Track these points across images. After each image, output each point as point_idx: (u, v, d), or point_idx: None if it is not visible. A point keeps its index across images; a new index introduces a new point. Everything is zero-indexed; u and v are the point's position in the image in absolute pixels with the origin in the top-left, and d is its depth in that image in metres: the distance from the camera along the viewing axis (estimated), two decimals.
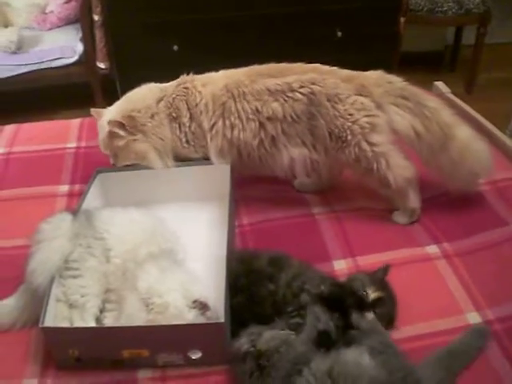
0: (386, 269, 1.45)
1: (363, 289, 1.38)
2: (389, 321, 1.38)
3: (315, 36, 3.30)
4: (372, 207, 1.81)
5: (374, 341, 1.27)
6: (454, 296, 1.49)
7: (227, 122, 1.74)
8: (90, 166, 1.92)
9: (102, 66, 3.61)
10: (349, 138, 1.66)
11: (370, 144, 1.66)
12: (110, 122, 1.74)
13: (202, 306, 1.35)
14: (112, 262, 1.50)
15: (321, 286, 1.38)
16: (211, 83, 1.80)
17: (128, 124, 1.74)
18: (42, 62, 3.54)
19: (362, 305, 1.36)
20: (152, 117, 1.78)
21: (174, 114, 1.79)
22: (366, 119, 1.65)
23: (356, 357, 1.22)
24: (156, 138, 1.78)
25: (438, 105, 1.72)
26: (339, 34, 3.54)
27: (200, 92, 1.79)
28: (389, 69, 1.78)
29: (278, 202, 1.86)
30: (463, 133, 1.71)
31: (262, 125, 1.71)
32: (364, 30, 3.54)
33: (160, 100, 1.81)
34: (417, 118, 1.67)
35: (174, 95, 1.80)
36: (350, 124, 1.66)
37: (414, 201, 1.73)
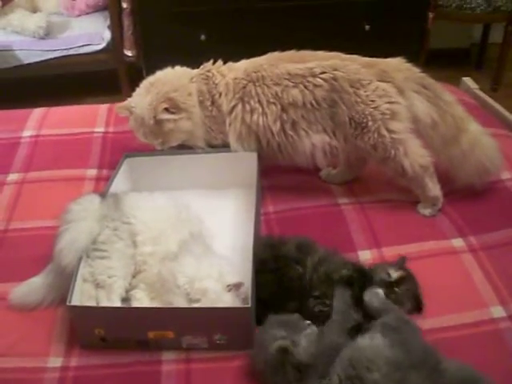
0: (403, 259, 1.47)
1: (386, 271, 1.41)
2: (416, 302, 1.40)
3: (342, 29, 3.30)
4: (398, 199, 1.81)
5: (387, 317, 1.29)
6: (478, 289, 1.49)
7: (247, 106, 1.75)
8: (117, 151, 1.94)
9: (129, 53, 3.62)
10: (369, 124, 1.67)
11: (389, 131, 1.67)
12: (155, 111, 1.75)
13: (236, 286, 1.36)
14: (140, 248, 1.52)
15: (343, 271, 1.40)
16: (233, 69, 1.82)
17: (171, 106, 1.75)
18: (70, 48, 3.56)
19: (386, 284, 1.38)
20: (189, 95, 1.79)
21: (200, 98, 1.80)
22: (387, 106, 1.66)
23: (369, 340, 1.24)
24: (196, 117, 1.79)
25: (452, 99, 1.75)
26: (367, 27, 3.53)
27: (222, 76, 1.80)
28: (416, 65, 1.78)
29: (304, 191, 1.86)
30: (475, 127, 1.75)
31: (283, 109, 1.72)
32: (392, 25, 3.54)
33: (191, 80, 1.82)
34: (434, 106, 1.70)
35: (198, 79, 1.82)
36: (371, 110, 1.66)
37: (432, 189, 1.73)
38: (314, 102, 1.69)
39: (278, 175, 1.91)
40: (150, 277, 1.48)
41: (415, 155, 1.68)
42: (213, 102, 1.79)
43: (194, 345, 1.37)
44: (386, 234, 1.67)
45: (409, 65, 1.75)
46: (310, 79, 1.70)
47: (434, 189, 1.73)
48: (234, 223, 1.73)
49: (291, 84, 1.71)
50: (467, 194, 1.79)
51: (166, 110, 1.75)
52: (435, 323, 1.40)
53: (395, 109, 1.66)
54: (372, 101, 1.66)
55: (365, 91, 1.67)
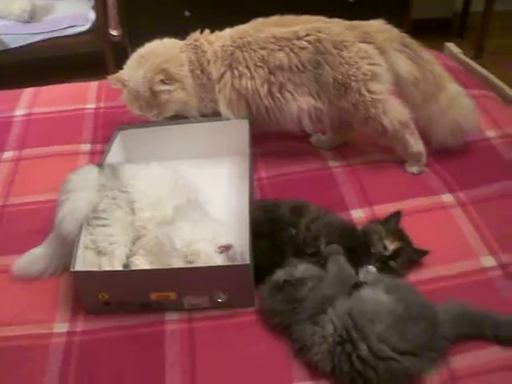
0: (398, 214, 1.52)
1: (381, 242, 1.45)
2: (416, 257, 1.47)
3: (327, 0, 3.32)
4: (387, 159, 1.85)
5: (386, 281, 1.35)
6: (468, 241, 1.54)
7: (235, 72, 1.78)
8: (109, 126, 1.96)
9: (114, 33, 3.61)
10: (352, 84, 1.71)
11: (370, 91, 1.71)
12: (150, 83, 1.76)
13: (226, 248, 1.40)
14: (138, 214, 1.55)
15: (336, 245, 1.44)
16: (220, 37, 1.84)
17: (166, 77, 1.77)
18: (55, 30, 3.54)
19: (381, 259, 1.44)
20: (181, 65, 1.82)
21: (190, 67, 1.82)
22: (368, 67, 1.71)
23: (373, 294, 1.30)
24: (189, 86, 1.82)
25: (431, 58, 1.81)
26: None
27: (210, 44, 1.83)
28: None
29: (295, 156, 1.90)
30: (454, 87, 1.81)
31: (270, 72, 1.75)
32: None
33: (181, 50, 1.84)
34: (415, 64, 1.75)
35: (187, 48, 1.84)
36: (354, 70, 1.70)
37: (415, 145, 1.78)
38: (299, 64, 1.73)
39: (270, 142, 1.95)
40: (148, 242, 1.51)
41: (394, 113, 1.73)
42: (202, 71, 1.81)
43: (196, 305, 1.41)
44: (376, 193, 1.71)
45: (389, 26, 1.80)
46: (295, 42, 1.73)
47: (417, 145, 1.78)
48: (228, 190, 1.77)
49: (277, 47, 1.74)
50: (454, 152, 1.83)
51: (162, 81, 1.77)
52: (427, 274, 1.45)
53: (376, 70, 1.71)
54: (355, 62, 1.70)
55: (348, 52, 1.71)
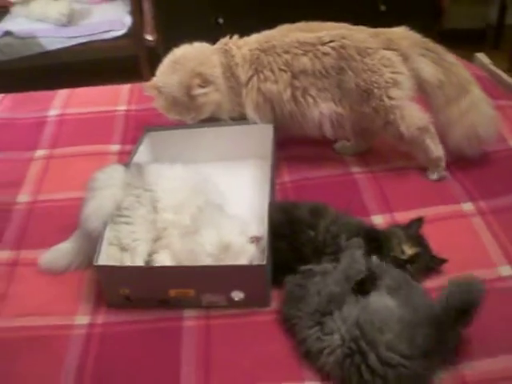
0: (420, 220, 1.52)
1: (400, 246, 1.46)
2: (434, 265, 1.48)
3: (358, 9, 3.33)
4: (410, 166, 1.86)
5: (387, 280, 1.35)
6: (487, 250, 1.54)
7: (261, 76, 1.82)
8: (139, 128, 2.00)
9: (149, 38, 3.69)
10: (375, 91, 1.73)
11: (390, 98, 1.74)
12: (187, 87, 1.81)
13: (258, 238, 1.44)
14: (160, 215, 1.58)
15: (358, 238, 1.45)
16: (247, 42, 1.88)
17: (202, 81, 1.82)
18: (92, 34, 3.64)
19: (398, 262, 1.44)
20: (214, 67, 1.86)
21: (221, 69, 1.86)
22: (390, 75, 1.73)
23: (380, 301, 1.29)
24: (222, 88, 1.86)
25: (456, 61, 1.82)
26: (382, 7, 3.57)
27: (238, 48, 1.86)
28: None
29: (318, 162, 1.92)
30: (477, 92, 1.81)
31: (293, 76, 1.78)
32: (407, 5, 3.56)
33: (212, 53, 1.89)
34: (439, 67, 1.76)
35: (217, 52, 1.88)
36: (376, 77, 1.73)
37: (435, 150, 1.79)
38: (322, 69, 1.76)
39: (294, 147, 1.97)
40: (172, 248, 1.53)
41: (413, 118, 1.75)
42: (232, 74, 1.85)
43: (213, 303, 1.44)
44: (397, 200, 1.72)
45: (412, 32, 1.81)
46: (319, 47, 1.76)
47: (436, 150, 1.79)
48: (250, 192, 1.80)
49: (301, 52, 1.78)
50: (477, 161, 1.83)
51: (198, 85, 1.81)
52: (445, 281, 1.44)
53: (398, 78, 1.74)
54: (378, 69, 1.73)
55: (371, 60, 1.73)
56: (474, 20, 4.23)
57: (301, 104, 1.80)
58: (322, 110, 1.78)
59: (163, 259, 1.51)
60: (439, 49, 1.80)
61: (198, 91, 1.82)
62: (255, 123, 1.87)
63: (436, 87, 1.76)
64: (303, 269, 1.41)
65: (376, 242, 1.47)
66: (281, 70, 1.79)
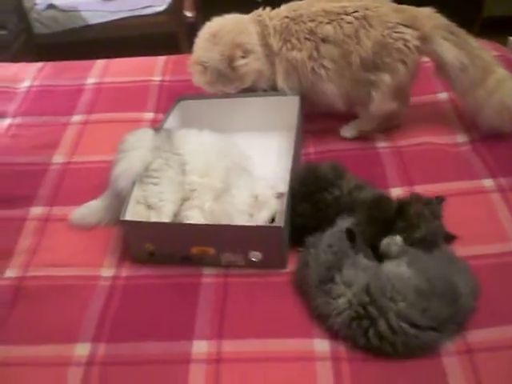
0: (441, 199, 1.52)
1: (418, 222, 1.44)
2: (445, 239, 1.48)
3: None
4: (434, 142, 1.88)
5: (411, 253, 1.37)
6: (503, 225, 1.56)
7: (288, 45, 1.85)
8: (173, 98, 2.04)
9: (189, 14, 3.73)
10: (381, 65, 1.78)
11: (381, 80, 1.80)
12: (229, 59, 1.85)
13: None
14: (188, 176, 1.65)
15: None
16: (278, 13, 1.91)
17: (243, 51, 1.86)
18: (133, 9, 3.72)
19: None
20: (252, 35, 1.89)
21: (258, 38, 1.90)
22: (395, 62, 1.78)
23: (394, 270, 1.31)
24: (262, 55, 1.89)
25: (479, 45, 1.83)
26: None
27: (270, 19, 1.90)
28: (470, 32, 1.84)
29: None
30: (501, 71, 1.82)
31: (316, 44, 1.82)
32: None
33: (248, 23, 1.92)
34: (462, 50, 1.77)
35: (252, 21, 1.92)
36: (384, 55, 1.77)
37: (370, 124, 1.92)
38: (342, 36, 1.79)
39: (321, 120, 2.01)
40: (203, 208, 1.60)
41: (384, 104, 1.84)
42: (266, 43, 1.89)
43: (232, 262, 1.50)
44: (418, 174, 1.75)
45: (438, 14, 1.82)
46: (343, 16, 1.79)
47: (371, 125, 1.92)
48: (275, 160, 1.85)
49: (326, 20, 1.81)
50: (502, 139, 1.85)
51: (240, 56, 1.85)
52: (460, 252, 1.46)
53: (397, 67, 1.78)
54: (390, 48, 1.76)
55: (389, 34, 1.76)
56: None
57: (319, 76, 1.84)
58: (332, 84, 1.84)
59: (195, 215, 1.57)
60: (463, 33, 1.80)
61: (240, 62, 1.85)
62: (285, 94, 1.91)
63: (459, 70, 1.78)
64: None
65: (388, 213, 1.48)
66: (305, 38, 1.82)
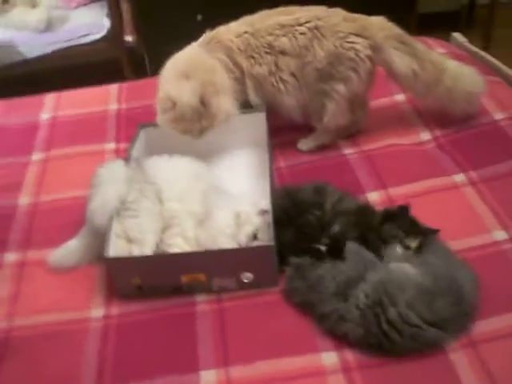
0: (405, 209, 1.52)
1: (403, 243, 1.47)
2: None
3: None
4: (399, 143, 1.92)
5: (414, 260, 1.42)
6: (481, 217, 1.61)
7: (252, 60, 1.86)
8: (132, 126, 2.01)
9: (129, 38, 3.69)
10: (335, 75, 1.81)
11: (335, 91, 1.83)
12: (201, 96, 1.78)
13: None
14: (166, 204, 1.63)
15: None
16: (237, 29, 1.89)
17: (214, 90, 1.80)
18: (71, 39, 3.63)
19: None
20: (216, 71, 1.85)
21: (223, 65, 1.87)
22: (348, 71, 1.81)
23: (400, 268, 1.37)
24: (230, 89, 1.87)
25: (425, 47, 1.90)
26: None
27: (230, 40, 1.87)
28: (407, 29, 1.89)
29: None
30: (452, 64, 1.89)
31: (275, 59, 1.83)
32: None
33: (210, 57, 1.88)
34: (412, 58, 1.82)
35: (212, 50, 1.88)
36: (337, 65, 1.81)
37: (328, 139, 1.96)
38: (297, 48, 1.81)
39: (286, 133, 2.02)
40: (186, 236, 1.58)
41: (336, 116, 1.88)
42: (234, 63, 1.87)
43: (224, 287, 1.49)
44: (390, 176, 1.78)
45: (391, 24, 1.86)
46: (297, 27, 1.82)
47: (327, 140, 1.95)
48: (248, 180, 1.85)
49: (281, 33, 1.82)
50: (465, 135, 1.91)
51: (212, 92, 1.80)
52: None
53: (350, 76, 1.82)
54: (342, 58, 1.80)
55: (340, 44, 1.79)
56: (448, 3, 4.32)
57: (277, 89, 1.86)
58: (291, 97, 1.87)
59: (179, 243, 1.55)
60: (411, 40, 1.85)
61: (213, 99, 1.79)
62: (253, 110, 1.91)
63: (411, 78, 1.83)
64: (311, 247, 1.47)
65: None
66: (266, 52, 1.84)
